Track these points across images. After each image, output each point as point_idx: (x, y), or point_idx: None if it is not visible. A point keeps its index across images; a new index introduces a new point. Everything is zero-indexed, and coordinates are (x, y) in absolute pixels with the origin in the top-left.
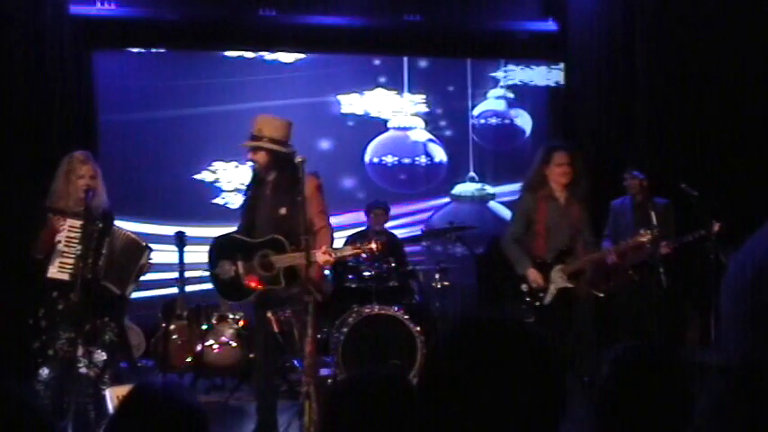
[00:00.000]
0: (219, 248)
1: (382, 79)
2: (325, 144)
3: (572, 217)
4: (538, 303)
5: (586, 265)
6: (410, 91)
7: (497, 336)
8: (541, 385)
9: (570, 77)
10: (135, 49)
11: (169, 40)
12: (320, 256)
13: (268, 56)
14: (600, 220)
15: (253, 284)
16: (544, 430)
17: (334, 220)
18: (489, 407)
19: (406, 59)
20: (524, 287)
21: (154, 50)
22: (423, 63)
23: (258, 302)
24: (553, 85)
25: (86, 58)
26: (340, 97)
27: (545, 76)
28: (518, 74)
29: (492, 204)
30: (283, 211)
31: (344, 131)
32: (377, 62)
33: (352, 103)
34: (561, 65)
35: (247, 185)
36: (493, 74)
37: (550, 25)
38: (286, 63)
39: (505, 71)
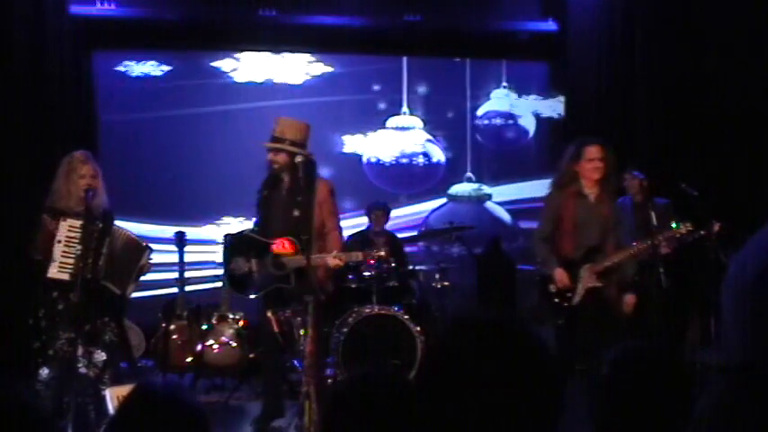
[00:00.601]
0: (235, 245)
1: (382, 105)
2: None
3: (602, 214)
4: (566, 304)
5: (616, 262)
6: (409, 96)
7: (493, 335)
8: (538, 384)
9: (570, 77)
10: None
11: (169, 40)
12: (331, 261)
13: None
14: None
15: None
16: (541, 429)
17: None
18: (486, 406)
19: (405, 67)
20: (552, 287)
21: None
22: (422, 87)
23: (266, 301)
24: (556, 116)
25: (86, 58)
26: (344, 138)
27: (543, 106)
28: (515, 102)
29: (489, 205)
30: (296, 212)
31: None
32: (377, 87)
33: (356, 144)
34: (561, 97)
35: (262, 185)
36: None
37: (550, 25)
38: (292, 84)
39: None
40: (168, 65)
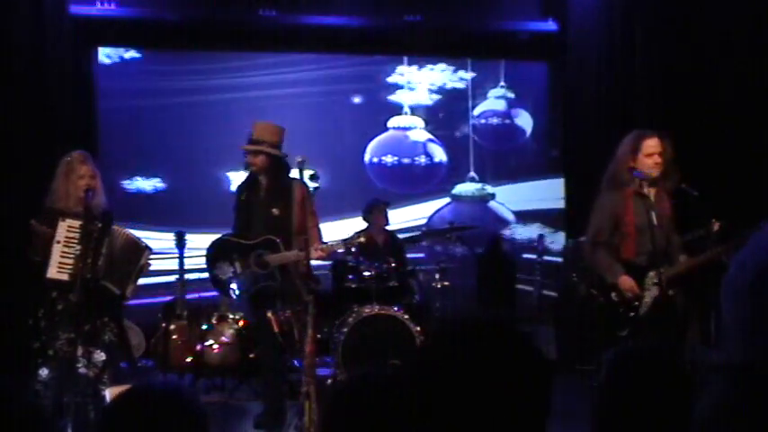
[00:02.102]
0: (216, 251)
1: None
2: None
3: (665, 215)
4: (632, 314)
5: (688, 268)
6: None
7: (484, 336)
8: (528, 385)
9: (570, 77)
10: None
11: (169, 40)
12: (314, 254)
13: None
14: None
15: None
16: (531, 429)
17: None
18: (477, 406)
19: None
20: (614, 296)
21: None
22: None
23: (255, 300)
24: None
25: (86, 59)
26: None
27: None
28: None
29: (492, 204)
30: (276, 211)
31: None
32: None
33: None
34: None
35: (240, 187)
36: None
37: (550, 25)
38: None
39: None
40: (168, 64)
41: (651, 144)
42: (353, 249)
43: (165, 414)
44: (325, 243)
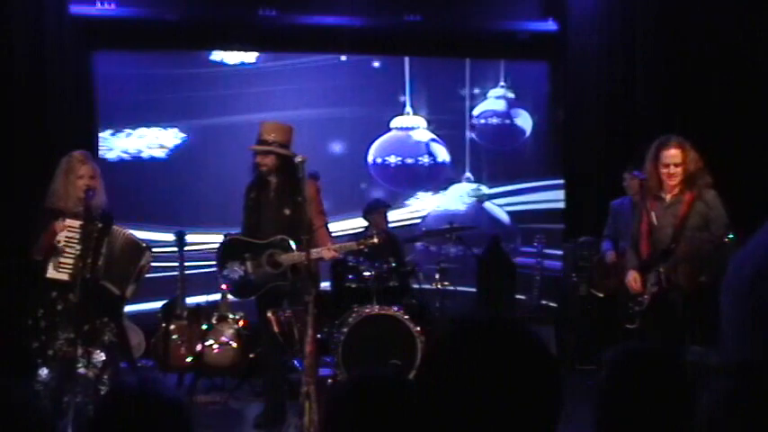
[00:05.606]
0: (227, 250)
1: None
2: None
3: (676, 215)
4: (637, 308)
5: (673, 265)
6: (411, 96)
7: (493, 336)
8: (537, 384)
9: (570, 77)
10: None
11: (169, 40)
12: (326, 253)
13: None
14: (600, 220)
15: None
16: (541, 429)
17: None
18: (486, 407)
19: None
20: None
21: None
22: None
23: (262, 299)
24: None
25: (86, 58)
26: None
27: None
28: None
29: (487, 205)
30: (287, 211)
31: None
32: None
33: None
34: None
35: (249, 188)
36: None
37: (550, 25)
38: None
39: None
40: (168, 64)
41: (668, 155)
42: (366, 250)
43: (145, 412)
44: (338, 243)
